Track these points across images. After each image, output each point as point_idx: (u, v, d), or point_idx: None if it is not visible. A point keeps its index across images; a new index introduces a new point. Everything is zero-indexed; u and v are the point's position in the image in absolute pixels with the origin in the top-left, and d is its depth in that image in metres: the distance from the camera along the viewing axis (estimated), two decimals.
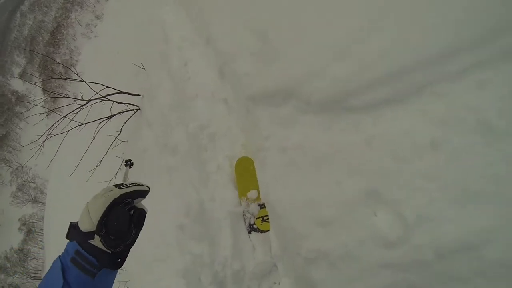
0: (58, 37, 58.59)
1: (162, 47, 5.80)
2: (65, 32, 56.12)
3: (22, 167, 57.31)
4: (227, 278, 3.50)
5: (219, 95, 4.39)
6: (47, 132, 5.05)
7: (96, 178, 6.04)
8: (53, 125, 5.08)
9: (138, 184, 1.39)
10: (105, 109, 5.36)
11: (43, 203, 37.90)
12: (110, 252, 1.21)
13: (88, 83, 5.01)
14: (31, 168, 54.01)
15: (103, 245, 1.20)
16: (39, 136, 5.13)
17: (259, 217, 3.65)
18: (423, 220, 2.14)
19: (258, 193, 3.70)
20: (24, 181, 52.61)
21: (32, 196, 48.54)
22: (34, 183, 47.63)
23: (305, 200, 2.71)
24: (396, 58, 2.26)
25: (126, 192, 1.28)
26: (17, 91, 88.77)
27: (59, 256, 1.25)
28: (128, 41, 10.60)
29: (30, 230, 44.57)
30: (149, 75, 5.66)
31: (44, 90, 62.62)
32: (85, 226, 1.21)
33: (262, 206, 3.67)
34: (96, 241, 1.21)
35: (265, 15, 3.35)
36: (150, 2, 8.72)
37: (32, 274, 39.21)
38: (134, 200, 1.34)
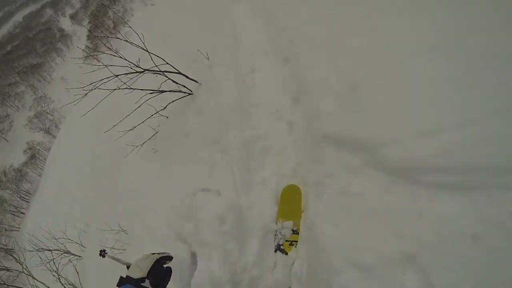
0: None
1: (231, 43, 5.67)
2: None
3: (46, 97, 58.33)
4: (243, 281, 3.47)
5: (284, 116, 4.22)
6: (94, 84, 4.91)
7: (115, 135, 5.98)
8: (102, 80, 4.92)
9: (167, 253, 2.05)
10: (155, 81, 5.19)
11: (54, 136, 38.56)
12: None
13: (150, 53, 4.98)
14: (53, 102, 54.72)
15: (150, 286, 1.80)
16: (85, 85, 4.87)
17: (288, 241, 3.59)
18: None
19: (295, 224, 3.60)
20: (43, 110, 53.26)
21: (46, 126, 48.58)
22: (51, 115, 48.12)
23: (350, 243, 2.86)
24: (474, 155, 2.35)
25: (163, 256, 1.97)
26: (63, 29, 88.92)
27: None
28: (187, 21, 9.86)
29: (34, 155, 44.47)
30: (212, 67, 5.36)
31: (88, 37, 63.26)
32: (138, 274, 1.79)
33: (295, 232, 3.57)
34: (146, 284, 1.78)
35: (362, 69, 3.36)
36: None
37: (23, 195, 39.44)
38: (166, 261, 2.03)
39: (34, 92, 63.09)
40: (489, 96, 2.43)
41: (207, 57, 5.47)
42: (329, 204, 3.12)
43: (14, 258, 8.38)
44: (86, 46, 58.58)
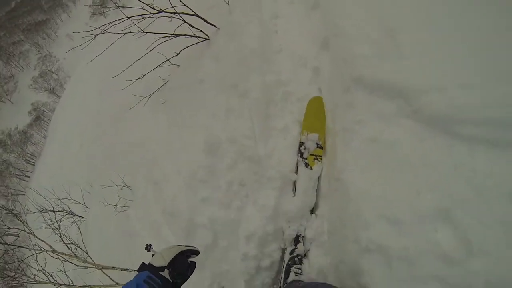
0: None
1: None
2: None
3: (51, 56, 57.76)
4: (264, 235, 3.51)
5: (310, 62, 4.06)
6: (103, 26, 4.70)
7: (123, 84, 5.89)
8: (113, 22, 4.75)
9: (194, 247, 2.01)
10: (169, 26, 4.93)
11: (59, 96, 38.21)
12: (171, 281, 1.79)
13: None
14: (58, 60, 54.31)
15: (169, 276, 1.78)
16: (94, 28, 4.76)
17: (312, 154, 3.63)
18: (484, 253, 2.06)
19: (320, 138, 3.65)
20: (48, 70, 52.99)
21: (51, 86, 48.85)
22: (56, 75, 47.75)
23: (380, 195, 2.70)
24: None
25: (188, 249, 1.94)
26: None
27: (133, 278, 1.74)
28: None
29: (39, 117, 45.02)
30: (232, 12, 5.11)
31: None
32: (159, 263, 1.78)
33: (319, 146, 3.64)
34: (165, 273, 1.77)
35: (400, 16, 3.10)
36: None
37: (28, 158, 39.87)
38: (192, 255, 1.99)
39: (39, 51, 62.38)
40: None
41: (227, 1, 5.14)
42: (358, 152, 3.05)
43: (16, 216, 8.17)
44: (93, 1, 58.26)
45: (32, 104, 48.51)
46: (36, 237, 6.73)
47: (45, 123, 41.49)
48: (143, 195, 4.90)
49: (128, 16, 4.59)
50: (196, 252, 2.02)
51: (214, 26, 5.01)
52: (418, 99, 2.62)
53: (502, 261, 2.02)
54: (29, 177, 33.75)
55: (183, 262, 1.88)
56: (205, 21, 4.88)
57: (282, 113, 3.90)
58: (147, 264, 1.83)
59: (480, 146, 2.27)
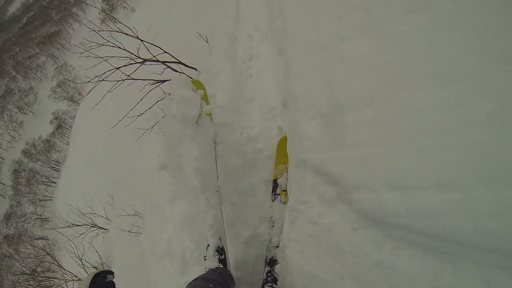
0: None
1: (231, 25, 5.51)
2: None
3: (67, 65, 58.94)
4: None
5: (277, 116, 4.21)
6: (100, 76, 5.10)
7: (125, 122, 5.92)
8: (105, 73, 5.11)
9: (108, 268, 2.33)
10: (154, 68, 5.32)
11: (78, 104, 39.30)
12: None
13: (144, 42, 5.12)
14: (74, 69, 55.37)
15: None
16: (91, 79, 5.14)
17: (284, 190, 3.87)
18: None
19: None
20: (65, 79, 54.06)
21: (70, 94, 49.72)
22: (74, 83, 48.77)
23: (311, 273, 3.03)
24: (445, 222, 2.21)
25: (103, 270, 2.22)
26: None
27: None
28: None
29: (60, 125, 45.88)
30: (211, 52, 5.36)
31: None
32: None
33: (285, 190, 3.86)
34: None
35: (352, 89, 2.97)
36: None
37: (53, 165, 41.05)
38: (107, 275, 2.24)
39: (55, 62, 63.71)
40: (474, 167, 2.12)
41: (206, 40, 5.49)
42: (300, 231, 3.22)
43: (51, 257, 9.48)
44: (102, 8, 58.85)
45: (53, 113, 49.57)
46: (64, 269, 7.82)
47: (67, 130, 42.29)
48: (150, 226, 5.33)
49: (116, 67, 5.09)
50: (111, 272, 2.30)
51: (195, 69, 5.41)
52: (351, 193, 2.71)
53: None
54: (55, 183, 34.87)
55: (102, 283, 2.15)
56: (185, 65, 5.31)
57: (252, 170, 4.09)
58: None
59: (404, 248, 2.38)
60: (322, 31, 3.55)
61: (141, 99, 5.32)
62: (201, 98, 3.63)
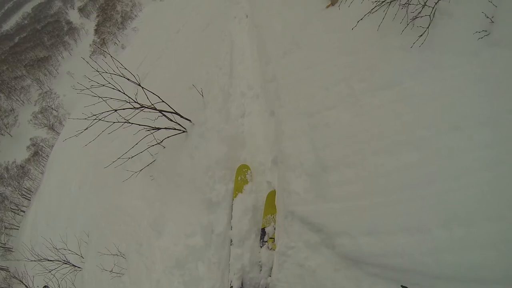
0: None
1: (226, 82, 5.78)
2: None
3: (52, 92, 58.44)
4: None
5: (266, 174, 4.54)
6: (95, 116, 5.16)
7: (115, 161, 6.05)
8: (102, 113, 5.16)
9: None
10: (149, 115, 5.51)
11: (58, 133, 38.51)
12: None
13: (145, 89, 5.24)
14: (58, 97, 54.92)
15: None
16: (85, 128, 5.31)
17: (272, 238, 4.20)
18: None
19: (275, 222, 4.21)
20: (48, 106, 53.41)
21: (51, 123, 49.10)
22: (56, 111, 48.07)
23: None
24: (413, 260, 2.74)
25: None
26: (71, 22, 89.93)
27: None
28: (190, 29, 10.27)
29: (37, 152, 44.93)
30: (206, 107, 5.61)
31: (96, 30, 64.01)
32: None
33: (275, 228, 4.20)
34: None
35: (336, 152, 3.68)
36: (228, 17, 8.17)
37: (24, 193, 39.73)
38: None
39: (40, 87, 63.39)
40: (436, 209, 2.72)
41: (201, 93, 5.72)
42: (288, 273, 3.58)
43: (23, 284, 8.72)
44: (94, 41, 59.53)
45: (31, 139, 48.52)
46: None
47: (43, 159, 41.47)
48: (135, 268, 5.32)
49: (114, 109, 5.13)
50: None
51: (189, 120, 5.56)
52: (333, 239, 3.18)
53: None
54: (24, 211, 33.63)
55: None
56: (181, 116, 5.47)
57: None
58: None
59: (380, 282, 2.82)
60: (311, 99, 4.26)
61: (136, 144, 5.55)
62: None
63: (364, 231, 2.97)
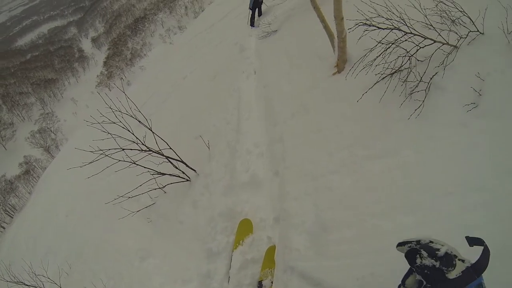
0: (139, 26, 60.66)
1: (233, 137, 5.93)
2: (147, 25, 58.01)
3: (53, 115, 58.60)
4: None
5: (267, 229, 4.59)
6: (102, 151, 5.27)
7: (114, 200, 6.10)
8: (109, 149, 5.24)
9: None
10: (154, 158, 5.62)
11: (53, 157, 38.20)
12: None
13: (155, 134, 5.42)
14: (59, 121, 55.04)
15: None
16: (90, 161, 5.44)
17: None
18: None
19: (272, 277, 4.25)
20: (47, 127, 53.36)
21: (47, 144, 48.89)
22: (55, 134, 47.99)
23: None
24: None
25: None
26: (83, 50, 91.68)
27: None
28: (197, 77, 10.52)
29: (29, 171, 44.46)
30: (211, 159, 5.74)
31: (105, 63, 65.17)
32: None
33: (272, 282, 4.25)
34: None
35: (336, 214, 3.83)
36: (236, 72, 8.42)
37: (8, 209, 38.81)
38: None
39: (43, 107, 63.65)
40: None
41: (208, 145, 5.88)
42: None
43: None
44: (101, 72, 60.47)
45: (25, 156, 48.05)
46: None
47: (34, 178, 40.78)
48: None
49: (121, 147, 5.27)
50: None
51: (194, 170, 5.69)
52: None
53: None
54: (4, 228, 32.69)
55: None
56: (186, 165, 5.60)
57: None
58: None
59: None
60: (316, 163, 4.47)
61: (140, 185, 5.65)
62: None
63: (360, 286, 3.10)
